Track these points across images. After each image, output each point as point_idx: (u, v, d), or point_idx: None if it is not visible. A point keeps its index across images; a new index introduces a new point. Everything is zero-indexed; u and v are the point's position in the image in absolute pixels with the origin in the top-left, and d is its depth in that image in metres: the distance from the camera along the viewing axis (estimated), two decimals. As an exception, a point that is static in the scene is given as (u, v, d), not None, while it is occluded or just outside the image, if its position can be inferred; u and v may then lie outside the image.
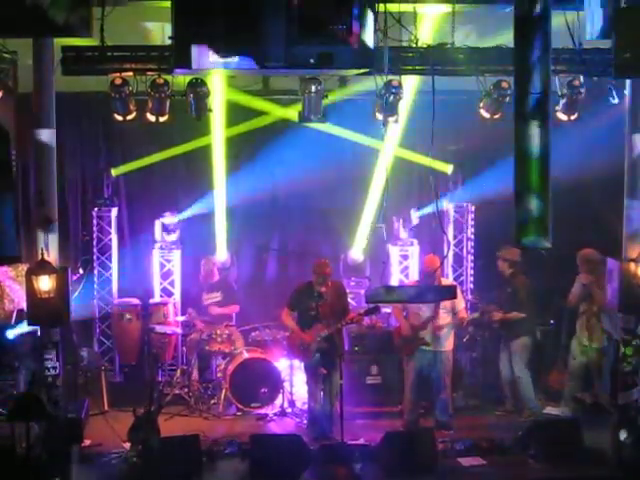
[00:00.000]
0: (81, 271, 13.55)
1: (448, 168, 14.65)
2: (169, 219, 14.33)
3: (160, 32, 11.83)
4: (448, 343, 12.08)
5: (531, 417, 12.17)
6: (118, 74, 10.94)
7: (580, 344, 12.17)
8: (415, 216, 14.65)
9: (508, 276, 12.52)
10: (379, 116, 11.84)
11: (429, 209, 14.45)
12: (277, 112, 14.08)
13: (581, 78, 11.32)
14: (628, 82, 10.74)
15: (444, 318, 11.95)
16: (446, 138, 13.54)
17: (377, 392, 12.80)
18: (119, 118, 11.81)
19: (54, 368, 10.34)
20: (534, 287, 12.57)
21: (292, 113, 12.77)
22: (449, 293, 10.13)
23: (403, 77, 11.41)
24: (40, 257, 10.12)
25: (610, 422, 10.92)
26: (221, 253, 14.49)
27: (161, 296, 14.65)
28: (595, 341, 12.04)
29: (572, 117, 11.86)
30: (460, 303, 12.13)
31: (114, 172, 14.43)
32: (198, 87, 11.39)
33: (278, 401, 12.94)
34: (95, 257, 14.52)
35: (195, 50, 8.85)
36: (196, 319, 13.71)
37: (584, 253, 12.07)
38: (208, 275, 13.84)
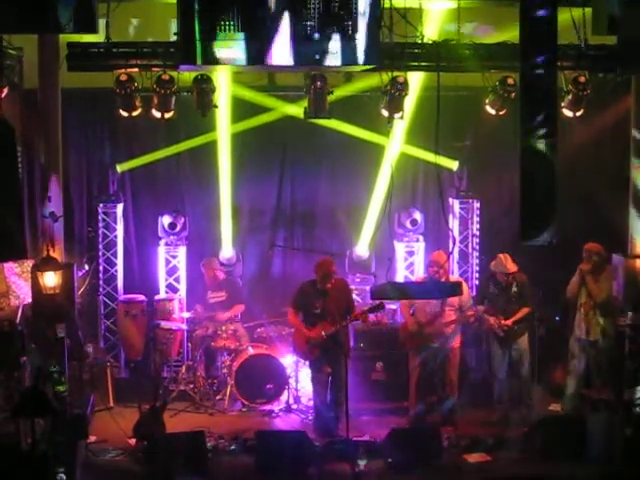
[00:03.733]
0: (86, 267, 13.54)
1: (453, 164, 14.63)
2: (170, 219, 14.32)
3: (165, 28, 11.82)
4: (455, 340, 12.08)
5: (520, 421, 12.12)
6: (123, 70, 10.96)
7: (578, 341, 12.12)
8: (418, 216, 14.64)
9: (511, 279, 12.34)
10: (384, 112, 11.85)
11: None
12: (283, 108, 14.03)
13: (587, 74, 11.31)
14: (633, 78, 10.74)
15: (450, 314, 11.96)
16: (451, 134, 13.58)
17: (382, 388, 12.79)
18: (124, 114, 11.83)
19: (59, 364, 10.35)
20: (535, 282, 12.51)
21: (298, 109, 12.75)
22: (455, 290, 10.12)
23: (408, 73, 11.42)
24: (45, 253, 10.13)
25: (616, 419, 10.91)
26: (227, 249, 14.48)
27: (166, 292, 14.64)
28: (592, 335, 11.98)
29: (577, 113, 11.84)
30: (467, 299, 12.12)
31: (119, 168, 14.41)
32: (203, 83, 11.41)
33: (283, 397, 12.94)
34: (100, 253, 14.51)
35: (200, 46, 8.86)
36: (202, 315, 13.70)
37: (589, 246, 11.99)
38: (212, 278, 13.82)
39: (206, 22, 8.81)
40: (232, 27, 8.87)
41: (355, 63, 9.23)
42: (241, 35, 8.89)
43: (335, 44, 9.00)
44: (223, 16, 8.81)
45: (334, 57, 9.08)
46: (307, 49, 8.98)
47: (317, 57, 9.03)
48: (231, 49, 8.87)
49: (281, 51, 8.95)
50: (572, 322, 12.27)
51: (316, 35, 8.91)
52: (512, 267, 12.15)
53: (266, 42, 8.91)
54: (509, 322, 12.16)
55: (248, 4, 8.84)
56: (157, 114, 11.88)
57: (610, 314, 11.72)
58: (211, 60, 9.05)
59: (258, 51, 8.95)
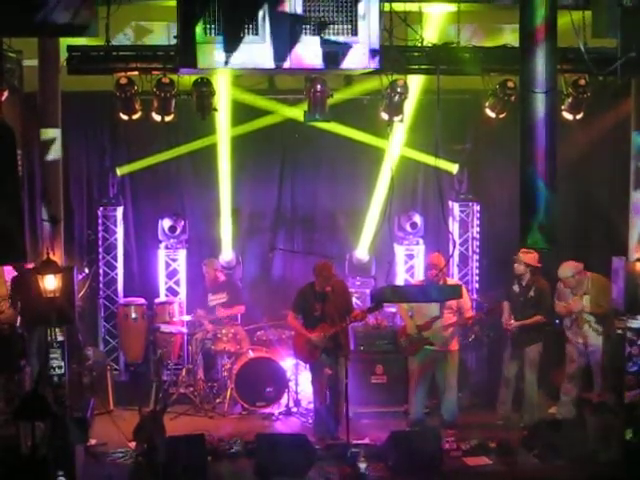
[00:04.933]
0: (86, 270, 13.54)
1: (453, 167, 14.64)
2: (170, 222, 14.33)
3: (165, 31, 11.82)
4: (454, 343, 12.06)
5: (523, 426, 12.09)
6: (123, 73, 10.95)
7: (576, 346, 12.11)
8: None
9: (528, 281, 12.34)
10: (384, 115, 11.84)
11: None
12: (282, 111, 14.05)
13: (586, 77, 11.31)
14: (633, 81, 10.73)
15: (449, 318, 11.94)
16: (451, 137, 13.60)
17: (382, 391, 12.82)
18: (124, 117, 11.83)
19: (59, 367, 10.35)
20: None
21: (298, 112, 12.77)
22: (454, 293, 10.11)
23: (408, 76, 11.42)
24: (45, 256, 10.13)
25: (616, 422, 10.90)
26: (227, 252, 14.49)
27: (166, 295, 14.66)
28: (590, 345, 11.97)
29: (577, 116, 11.84)
30: (466, 303, 12.11)
31: (119, 171, 14.42)
32: (203, 86, 11.41)
33: (283, 400, 12.97)
34: (100, 256, 14.53)
35: (200, 49, 8.85)
36: (203, 319, 13.70)
37: (564, 270, 12.00)
38: (213, 279, 13.83)
39: (206, 25, 8.81)
40: (232, 30, 8.87)
41: (355, 66, 9.22)
42: (241, 38, 8.88)
43: (334, 47, 8.99)
44: (223, 19, 8.81)
45: (334, 60, 9.08)
46: (307, 52, 8.98)
47: (317, 60, 9.03)
48: (230, 53, 8.87)
49: (282, 54, 8.94)
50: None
51: (316, 38, 8.90)
52: (528, 258, 12.13)
53: (267, 45, 8.91)
54: (515, 324, 12.22)
55: (248, 7, 8.84)
56: (157, 117, 11.88)
57: (607, 320, 11.70)
58: (211, 63, 9.05)
59: (260, 55, 8.94)
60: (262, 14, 8.80)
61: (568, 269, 11.92)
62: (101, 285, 14.55)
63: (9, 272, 11.46)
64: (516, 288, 12.42)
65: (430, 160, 12.85)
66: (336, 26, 8.81)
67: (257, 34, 8.83)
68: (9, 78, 10.50)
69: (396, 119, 11.87)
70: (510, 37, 10.22)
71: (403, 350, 12.30)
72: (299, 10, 8.78)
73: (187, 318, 14.07)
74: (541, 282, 12.30)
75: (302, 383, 13.05)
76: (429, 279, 12.03)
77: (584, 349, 11.97)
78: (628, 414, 10.69)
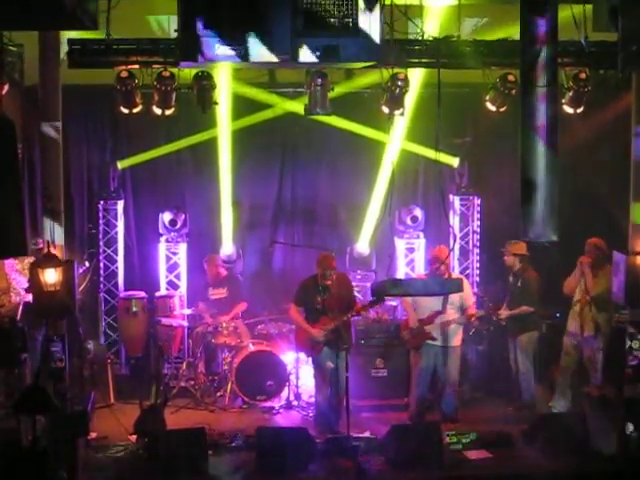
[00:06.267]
0: (87, 264, 13.54)
1: (454, 161, 14.64)
2: (171, 216, 14.34)
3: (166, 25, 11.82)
4: (456, 339, 12.04)
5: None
6: (124, 67, 10.96)
7: (572, 337, 12.12)
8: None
9: (518, 270, 12.39)
10: (385, 109, 11.85)
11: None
12: (283, 105, 14.05)
13: (587, 71, 11.31)
14: (634, 75, 10.73)
15: (452, 314, 11.92)
16: (452, 131, 13.60)
17: (383, 385, 12.80)
18: (125, 111, 11.84)
19: (60, 361, 10.36)
20: (542, 280, 12.51)
21: (298, 106, 12.76)
22: (455, 287, 10.10)
23: (409, 70, 11.43)
24: (46, 250, 10.13)
25: (616, 415, 10.90)
26: (227, 246, 14.49)
27: (167, 289, 14.67)
28: (586, 331, 11.96)
29: (578, 110, 11.84)
30: (469, 299, 12.10)
31: (120, 165, 14.43)
32: (204, 80, 11.42)
33: (284, 394, 12.95)
34: (101, 250, 14.53)
35: (201, 43, 8.85)
36: (205, 312, 13.70)
37: (592, 240, 12.02)
38: (215, 275, 13.81)
39: (207, 19, 8.80)
40: (233, 23, 8.87)
41: (356, 60, 9.22)
42: (241, 32, 8.88)
43: (335, 40, 8.99)
44: (223, 12, 8.81)
45: (334, 53, 9.07)
46: (307, 46, 8.97)
47: (317, 54, 9.02)
48: (231, 46, 8.86)
49: (281, 48, 8.93)
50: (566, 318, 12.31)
51: (317, 31, 8.89)
52: (515, 248, 12.18)
53: (265, 39, 8.90)
54: (503, 314, 12.37)
55: (251, 1, 8.83)
56: (158, 111, 11.90)
57: (605, 310, 11.72)
58: (212, 57, 9.04)
59: (257, 48, 8.93)
60: (263, 7, 8.80)
61: (597, 239, 11.96)
62: (102, 279, 14.56)
63: (9, 266, 11.47)
64: (510, 278, 12.51)
65: (431, 153, 12.82)
66: (337, 20, 8.81)
67: (258, 27, 8.83)
68: (10, 71, 10.52)
69: (397, 112, 11.89)
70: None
71: (406, 343, 12.30)
72: (299, 3, 8.78)
73: (187, 311, 14.08)
74: (529, 272, 12.36)
75: (303, 376, 13.04)
76: (432, 272, 12.02)
77: (580, 336, 11.95)
78: (628, 408, 10.68)
